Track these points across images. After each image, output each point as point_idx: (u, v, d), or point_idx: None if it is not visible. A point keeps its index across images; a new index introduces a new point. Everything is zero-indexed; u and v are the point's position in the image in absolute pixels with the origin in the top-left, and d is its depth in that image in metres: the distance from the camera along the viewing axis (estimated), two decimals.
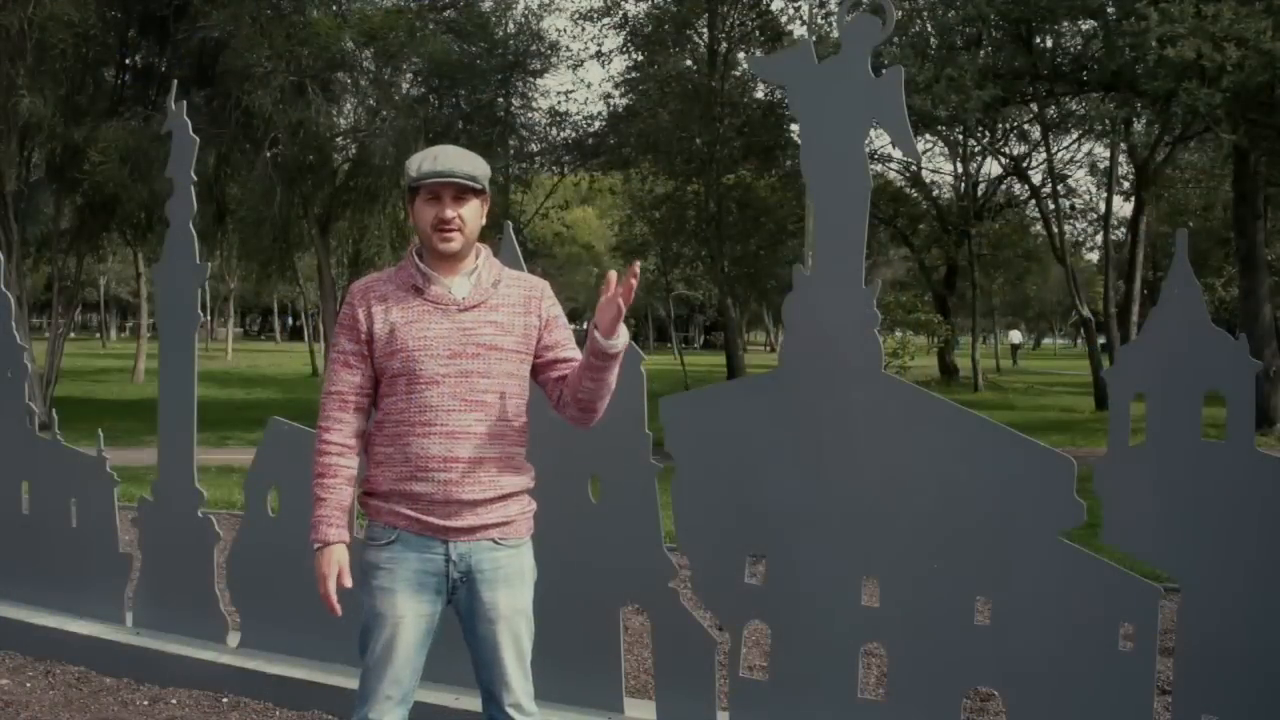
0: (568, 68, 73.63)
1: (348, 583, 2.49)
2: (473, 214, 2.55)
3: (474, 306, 2.53)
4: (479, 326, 2.52)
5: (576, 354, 2.64)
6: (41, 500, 4.82)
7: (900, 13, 15.95)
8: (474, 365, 2.50)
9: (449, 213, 2.50)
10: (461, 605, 2.56)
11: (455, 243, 2.51)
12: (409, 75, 19.34)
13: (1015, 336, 33.48)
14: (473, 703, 3.41)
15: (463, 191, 2.52)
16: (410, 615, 2.50)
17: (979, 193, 30.50)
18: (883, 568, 3.24)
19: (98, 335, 62.85)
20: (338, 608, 2.49)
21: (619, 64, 55.59)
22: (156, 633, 4.43)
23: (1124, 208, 30.81)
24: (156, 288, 4.60)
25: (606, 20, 24.31)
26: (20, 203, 17.62)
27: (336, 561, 2.50)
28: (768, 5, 23.52)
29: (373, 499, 2.56)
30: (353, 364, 2.55)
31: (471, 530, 2.51)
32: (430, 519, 2.49)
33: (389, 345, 2.50)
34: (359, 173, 18.92)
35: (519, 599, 2.59)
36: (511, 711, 2.57)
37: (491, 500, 2.52)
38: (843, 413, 3.26)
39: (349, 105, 19.29)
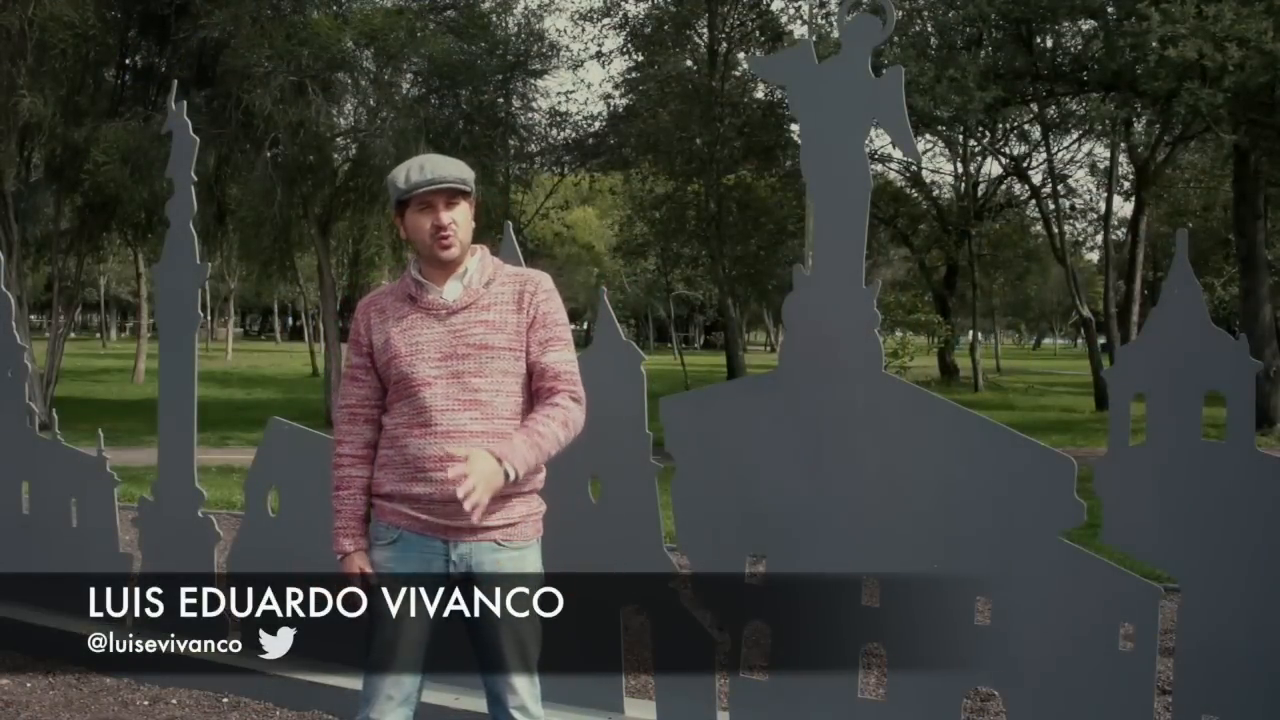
0: (568, 68, 73.63)
1: (369, 582, 2.55)
2: (465, 217, 2.56)
3: (464, 308, 2.54)
4: (469, 327, 2.53)
5: (558, 361, 2.56)
6: (41, 500, 4.82)
7: (900, 13, 15.96)
8: (466, 365, 2.50)
9: (445, 219, 2.51)
10: (466, 608, 2.54)
11: (455, 248, 2.53)
12: (409, 75, 19.32)
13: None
14: (472, 703, 3.41)
15: (453, 196, 2.53)
16: (410, 614, 2.50)
17: (979, 193, 30.49)
18: (883, 568, 3.24)
19: (98, 335, 62.81)
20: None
21: (619, 64, 55.61)
22: (157, 632, 4.43)
23: (1124, 208, 30.82)
24: (156, 288, 4.60)
25: (606, 21, 24.33)
26: (20, 203, 17.63)
27: (358, 567, 2.57)
28: (768, 5, 23.53)
29: (378, 499, 2.59)
30: (359, 377, 2.63)
31: (474, 530, 2.49)
32: (429, 518, 2.50)
33: (386, 354, 2.55)
34: (359, 173, 18.90)
35: (522, 601, 2.57)
36: (516, 714, 2.57)
37: (493, 499, 2.46)
38: (843, 413, 3.26)
39: (349, 105, 19.28)
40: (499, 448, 2.36)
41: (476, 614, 2.53)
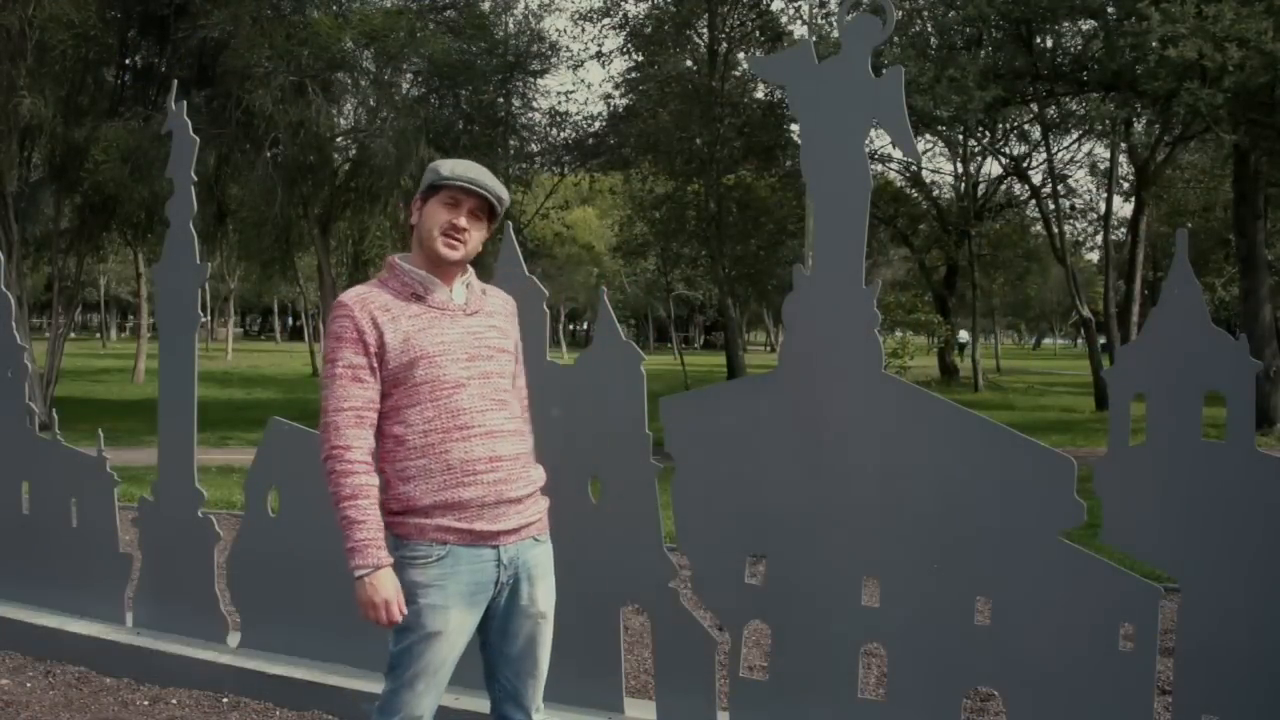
0: (568, 68, 73.70)
1: (404, 607, 2.40)
2: (479, 237, 2.55)
3: (475, 312, 2.56)
4: (484, 331, 2.55)
5: (523, 382, 2.73)
6: (41, 500, 4.82)
7: (900, 13, 15.96)
8: (490, 366, 2.52)
9: (462, 222, 2.50)
10: (500, 605, 2.53)
11: (458, 252, 2.50)
12: (409, 76, 19.34)
13: (963, 335, 33.99)
14: (471, 702, 3.41)
15: (479, 209, 2.53)
16: (461, 630, 2.48)
17: (979, 193, 30.50)
18: (883, 568, 3.24)
19: (98, 335, 62.87)
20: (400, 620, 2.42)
21: (619, 64, 55.73)
22: (156, 633, 4.43)
23: (1124, 208, 30.85)
24: (156, 288, 4.60)
25: (606, 21, 24.36)
26: (20, 203, 17.62)
27: (394, 584, 2.39)
28: (768, 5, 23.54)
29: (410, 516, 2.45)
30: (364, 378, 2.44)
31: (518, 530, 2.51)
32: (479, 526, 2.45)
33: (406, 354, 2.44)
34: (359, 173, 18.92)
35: (553, 595, 2.62)
36: (533, 713, 2.60)
37: (529, 496, 2.55)
38: (843, 413, 3.26)
39: (349, 105, 19.29)
40: None
41: (514, 610, 2.54)
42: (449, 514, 2.43)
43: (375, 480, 2.44)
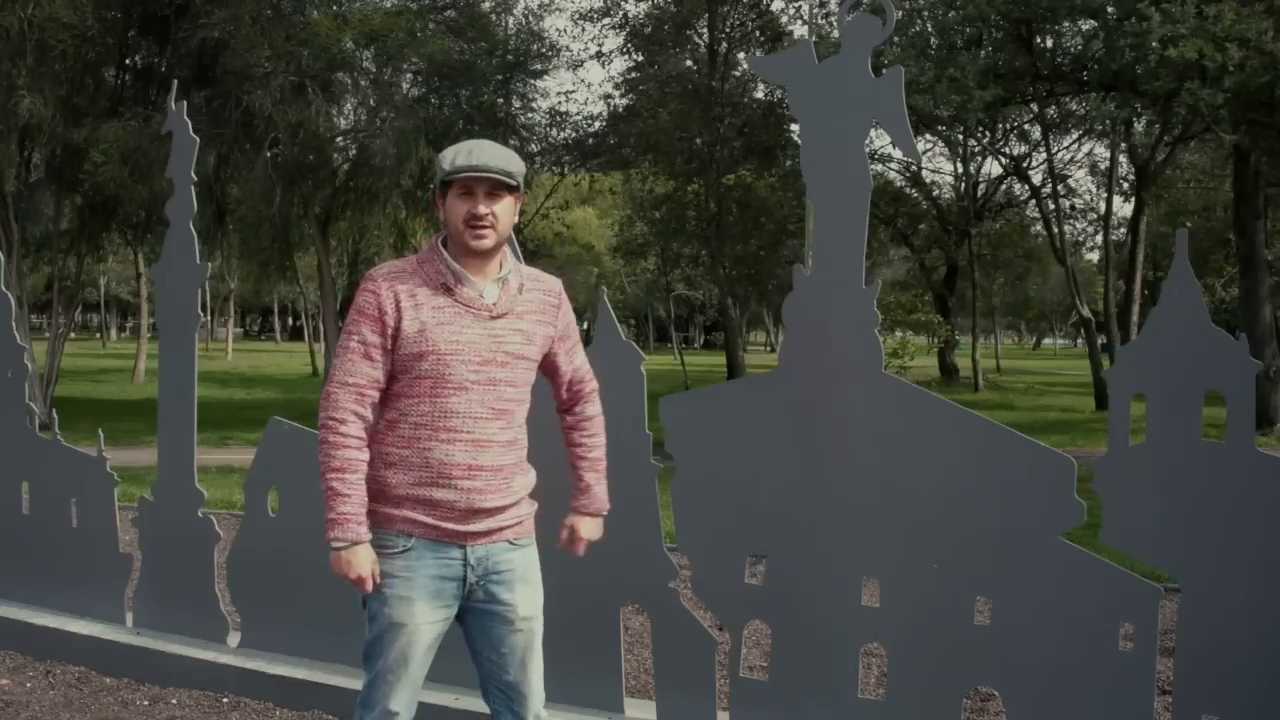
0: (568, 68, 73.70)
1: (376, 582, 2.42)
2: (506, 212, 2.48)
3: (503, 315, 2.49)
4: (508, 335, 2.48)
5: (583, 364, 2.73)
6: (41, 500, 4.82)
7: (900, 13, 15.96)
8: (502, 374, 2.47)
9: (482, 209, 2.43)
10: (477, 609, 2.52)
11: (488, 240, 2.45)
12: (409, 76, 19.34)
13: None
14: (471, 703, 3.41)
15: (497, 188, 2.45)
16: (427, 622, 2.47)
17: (979, 193, 30.52)
18: (883, 568, 3.24)
19: (98, 335, 62.92)
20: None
21: (619, 64, 55.73)
22: (157, 633, 4.43)
23: (1124, 208, 30.86)
24: (156, 288, 4.59)
25: (606, 20, 24.41)
26: (20, 203, 17.63)
27: (369, 561, 2.41)
28: (768, 5, 23.57)
29: (382, 505, 2.46)
30: (374, 357, 2.43)
31: (489, 533, 2.49)
32: (448, 525, 2.45)
33: (418, 345, 2.42)
34: (359, 173, 18.92)
35: (537, 600, 2.59)
36: (529, 718, 2.58)
37: (510, 505, 2.52)
38: (843, 413, 3.26)
39: (349, 106, 19.30)
40: (593, 504, 2.76)
41: (494, 615, 2.52)
42: (419, 509, 2.44)
43: (364, 456, 2.44)
